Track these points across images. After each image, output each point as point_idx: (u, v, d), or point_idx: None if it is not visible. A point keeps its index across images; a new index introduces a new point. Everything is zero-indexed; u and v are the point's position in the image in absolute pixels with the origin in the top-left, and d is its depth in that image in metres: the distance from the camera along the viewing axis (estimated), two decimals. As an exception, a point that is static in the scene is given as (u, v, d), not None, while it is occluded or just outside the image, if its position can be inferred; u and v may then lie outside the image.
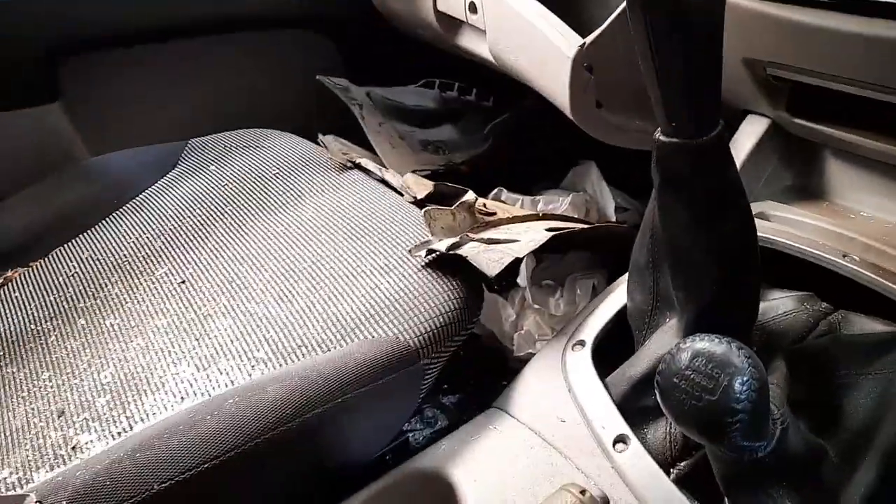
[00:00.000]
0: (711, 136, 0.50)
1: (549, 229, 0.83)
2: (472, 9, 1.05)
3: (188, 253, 0.92)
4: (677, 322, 0.63)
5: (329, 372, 0.65)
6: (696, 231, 0.55)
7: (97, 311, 0.85)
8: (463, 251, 0.75)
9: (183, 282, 0.87)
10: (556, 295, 1.01)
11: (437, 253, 0.77)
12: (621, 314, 0.74)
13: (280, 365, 0.72)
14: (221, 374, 0.73)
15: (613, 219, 1.12)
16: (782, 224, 0.77)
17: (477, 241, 0.78)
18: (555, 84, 0.91)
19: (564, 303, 0.98)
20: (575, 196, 1.13)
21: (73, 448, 0.69)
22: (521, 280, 1.02)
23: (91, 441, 0.69)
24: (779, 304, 0.68)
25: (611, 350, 0.73)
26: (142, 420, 0.70)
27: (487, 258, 0.74)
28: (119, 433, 0.69)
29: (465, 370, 1.02)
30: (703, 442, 0.48)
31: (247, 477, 0.62)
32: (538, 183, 1.25)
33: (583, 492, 0.52)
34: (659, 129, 0.52)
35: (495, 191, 1.15)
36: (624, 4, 0.65)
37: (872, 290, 0.67)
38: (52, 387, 0.76)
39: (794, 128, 0.82)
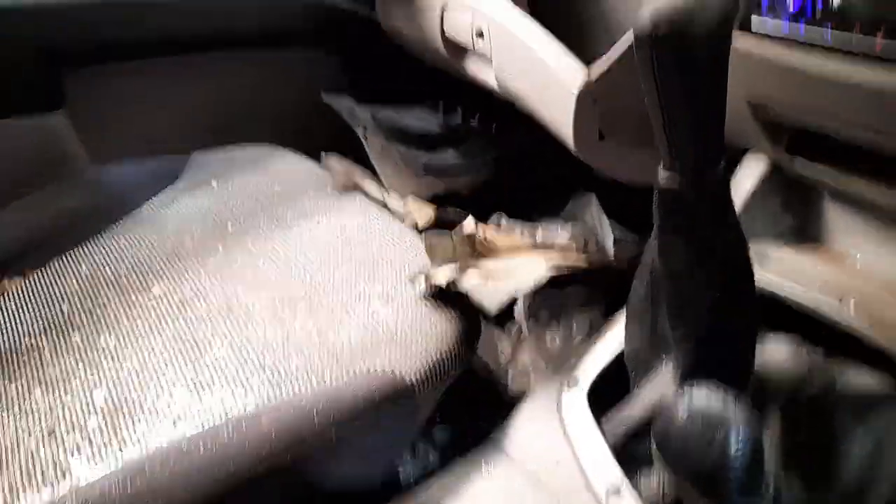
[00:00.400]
0: (714, 172, 0.50)
1: (551, 265, 0.83)
2: (479, 34, 1.06)
3: (187, 272, 0.92)
4: (674, 367, 0.63)
5: (324, 406, 0.65)
6: (695, 267, 0.55)
7: (92, 328, 0.85)
8: (462, 286, 0.75)
9: (181, 302, 0.87)
10: (552, 329, 1.01)
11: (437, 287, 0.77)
12: (619, 353, 0.74)
13: (275, 394, 0.72)
14: (215, 400, 0.72)
15: (612, 251, 1.12)
16: (779, 267, 0.78)
17: (477, 272, 0.78)
18: (558, 114, 0.91)
19: (560, 337, 0.98)
20: (574, 227, 1.13)
21: (63, 473, 0.68)
22: (518, 313, 1.02)
23: (81, 464, 0.68)
24: (774, 351, 0.69)
25: (607, 389, 0.73)
26: (133, 444, 0.70)
27: (488, 294, 0.74)
28: (111, 457, 0.69)
29: (459, 402, 1.02)
30: (701, 497, 0.48)
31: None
32: (538, 209, 1.25)
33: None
34: (661, 164, 0.52)
35: (494, 216, 1.15)
36: (630, 38, 0.66)
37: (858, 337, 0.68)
38: (43, 404, 0.76)
39: (793, 170, 0.82)
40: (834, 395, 0.64)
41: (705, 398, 0.47)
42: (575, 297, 1.00)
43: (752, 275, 0.57)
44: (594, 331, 0.93)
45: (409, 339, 0.74)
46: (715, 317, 0.56)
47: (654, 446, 0.48)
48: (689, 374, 0.59)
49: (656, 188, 0.53)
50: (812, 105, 0.72)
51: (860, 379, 0.67)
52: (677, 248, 0.55)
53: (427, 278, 0.78)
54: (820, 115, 0.72)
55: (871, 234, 0.80)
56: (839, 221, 0.83)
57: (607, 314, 0.93)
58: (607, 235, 1.12)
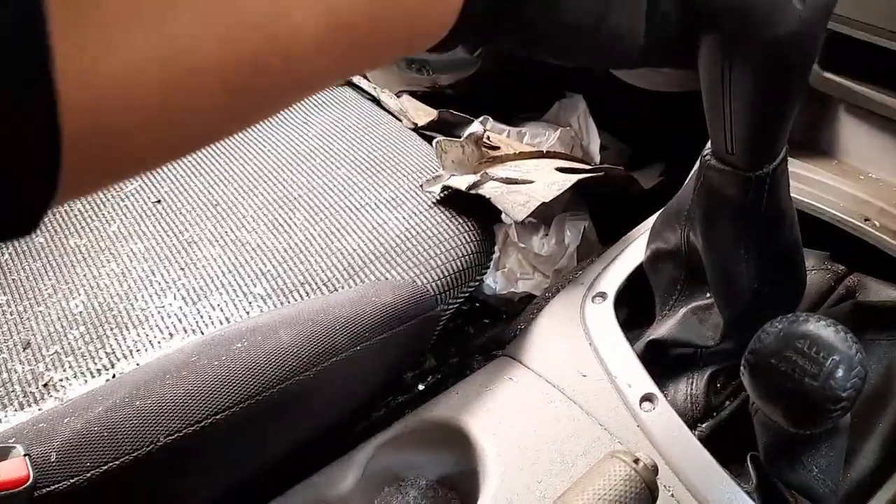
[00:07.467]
0: (772, 166, 0.46)
1: (560, 169, 0.79)
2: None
3: (161, 168, 0.83)
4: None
5: (346, 317, 0.60)
6: (744, 252, 0.52)
7: (57, 230, 0.76)
8: (484, 191, 0.70)
9: (158, 201, 0.78)
10: (539, 233, 0.98)
11: (451, 191, 0.72)
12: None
13: (280, 303, 0.66)
14: (214, 309, 0.66)
15: (598, 158, 1.09)
16: (798, 181, 0.76)
17: (496, 180, 0.73)
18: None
19: (551, 242, 0.95)
20: (562, 132, 1.09)
21: (45, 385, 0.62)
22: (506, 216, 0.98)
23: (66, 378, 0.62)
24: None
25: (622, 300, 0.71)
26: (124, 357, 0.63)
27: (512, 201, 0.69)
28: (98, 371, 0.62)
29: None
30: (786, 424, 0.46)
31: (260, 426, 0.57)
32: (521, 113, 1.19)
33: (636, 460, 0.50)
34: (710, 148, 0.48)
35: (481, 118, 1.09)
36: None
37: (880, 252, 0.67)
38: (11, 314, 0.68)
39: (812, 79, 0.79)
40: (860, 310, 0.64)
41: (815, 326, 0.44)
42: (558, 204, 0.96)
43: (801, 266, 0.55)
44: (587, 239, 0.90)
45: (425, 248, 0.69)
46: (758, 299, 0.54)
47: (747, 372, 0.46)
48: (735, 326, 0.57)
49: (701, 172, 0.49)
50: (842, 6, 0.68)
51: (881, 294, 0.67)
52: (725, 233, 0.52)
53: (441, 183, 0.73)
54: (848, 18, 0.69)
55: (885, 150, 0.79)
56: (854, 135, 0.81)
57: (597, 223, 0.90)
58: (594, 141, 1.09)
